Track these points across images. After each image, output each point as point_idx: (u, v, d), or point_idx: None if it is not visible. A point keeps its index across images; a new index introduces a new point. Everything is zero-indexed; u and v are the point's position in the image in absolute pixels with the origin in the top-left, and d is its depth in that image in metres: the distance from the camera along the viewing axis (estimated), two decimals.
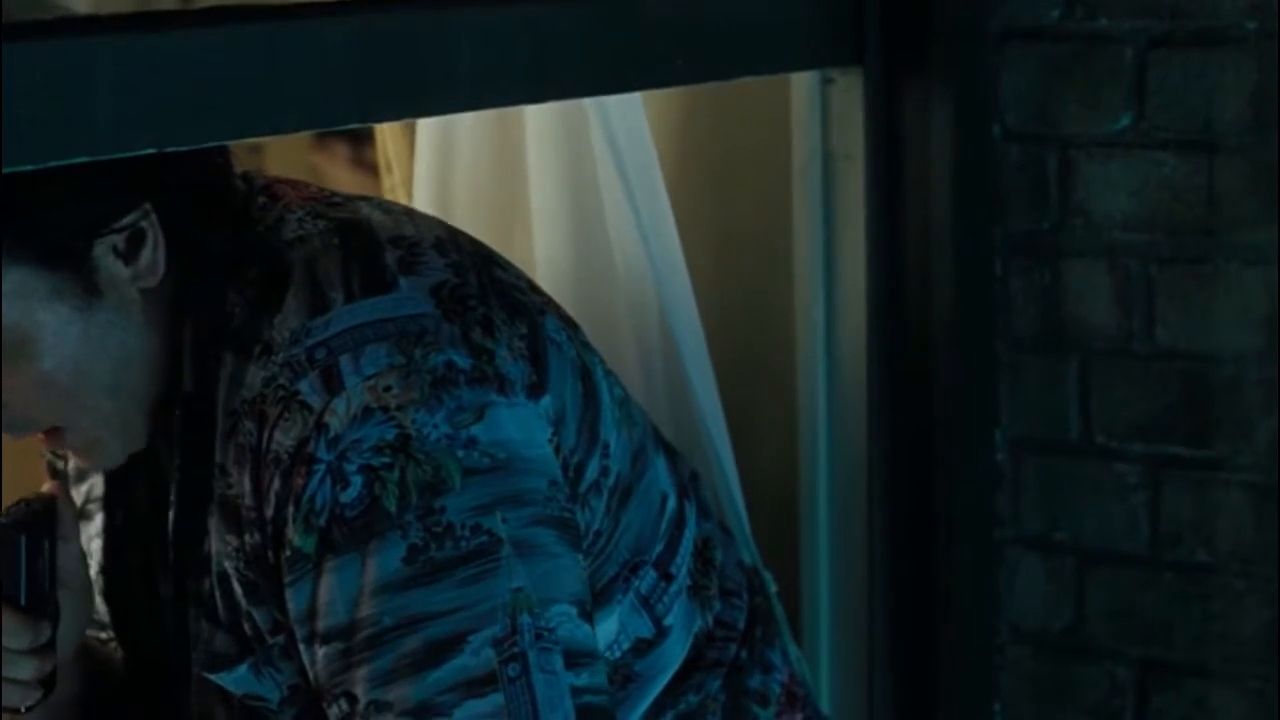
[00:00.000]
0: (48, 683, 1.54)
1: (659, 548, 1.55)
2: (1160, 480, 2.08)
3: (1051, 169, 2.10)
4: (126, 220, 1.43)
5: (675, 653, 1.56)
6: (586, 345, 1.55)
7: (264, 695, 1.46)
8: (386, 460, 1.36)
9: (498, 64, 1.59)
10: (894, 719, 1.76)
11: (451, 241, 1.52)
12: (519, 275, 1.55)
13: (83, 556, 1.54)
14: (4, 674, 1.49)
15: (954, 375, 2.11)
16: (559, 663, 1.37)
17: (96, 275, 1.43)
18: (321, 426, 1.37)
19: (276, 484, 1.39)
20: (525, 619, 1.36)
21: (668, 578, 1.54)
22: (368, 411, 1.37)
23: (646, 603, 1.53)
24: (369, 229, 1.49)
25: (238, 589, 1.44)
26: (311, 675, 1.41)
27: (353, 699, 1.37)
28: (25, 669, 1.50)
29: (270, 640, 1.44)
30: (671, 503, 1.57)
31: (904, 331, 2.07)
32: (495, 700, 1.34)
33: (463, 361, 1.41)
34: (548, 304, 1.55)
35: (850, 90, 2.06)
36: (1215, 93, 2.01)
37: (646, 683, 1.54)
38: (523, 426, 1.41)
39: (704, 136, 2.11)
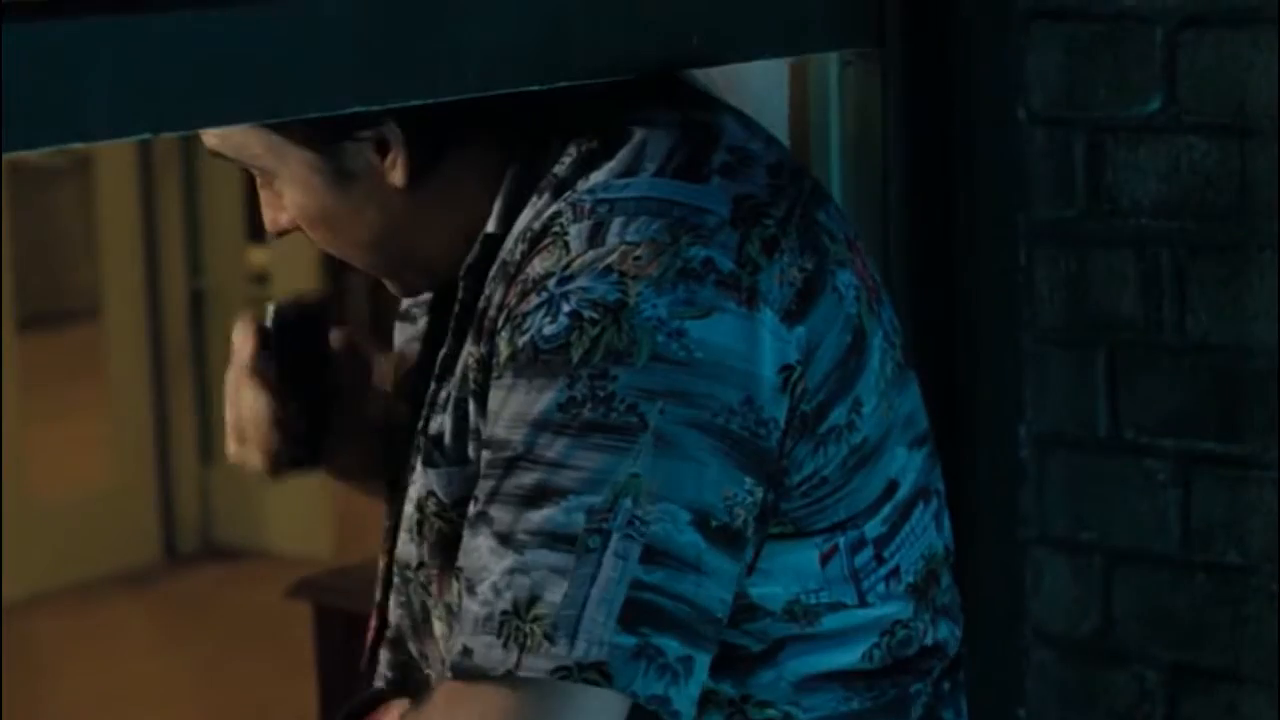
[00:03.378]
0: (295, 454, 1.77)
1: (878, 529, 1.58)
2: (1191, 477, 2.06)
3: (1078, 154, 2.08)
4: (367, 132, 1.59)
5: (869, 624, 1.59)
6: (875, 315, 1.59)
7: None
8: (596, 316, 1.46)
9: (508, 44, 1.58)
10: None
11: (791, 172, 1.60)
12: (844, 228, 1.61)
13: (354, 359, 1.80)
14: (246, 437, 1.76)
15: (976, 368, 2.10)
16: (636, 553, 1.44)
17: (346, 162, 1.60)
18: (567, 267, 1.49)
19: (513, 301, 1.51)
20: (626, 503, 1.44)
21: (880, 559, 1.59)
22: (607, 270, 1.47)
23: (856, 576, 1.58)
24: (714, 131, 1.59)
25: (472, 405, 1.55)
26: None
27: (476, 502, 1.48)
28: (268, 438, 1.75)
29: None
30: (901, 493, 1.60)
31: (924, 322, 2.05)
32: (566, 559, 1.43)
33: (724, 264, 1.49)
34: (855, 262, 1.59)
35: (869, 73, 2.04)
36: (1248, 75, 2.00)
37: (829, 638, 1.58)
38: (747, 340, 1.48)
39: None
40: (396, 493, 1.70)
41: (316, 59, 1.46)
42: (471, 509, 1.48)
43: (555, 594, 1.42)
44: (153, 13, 1.38)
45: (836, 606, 1.57)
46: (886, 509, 1.59)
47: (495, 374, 1.50)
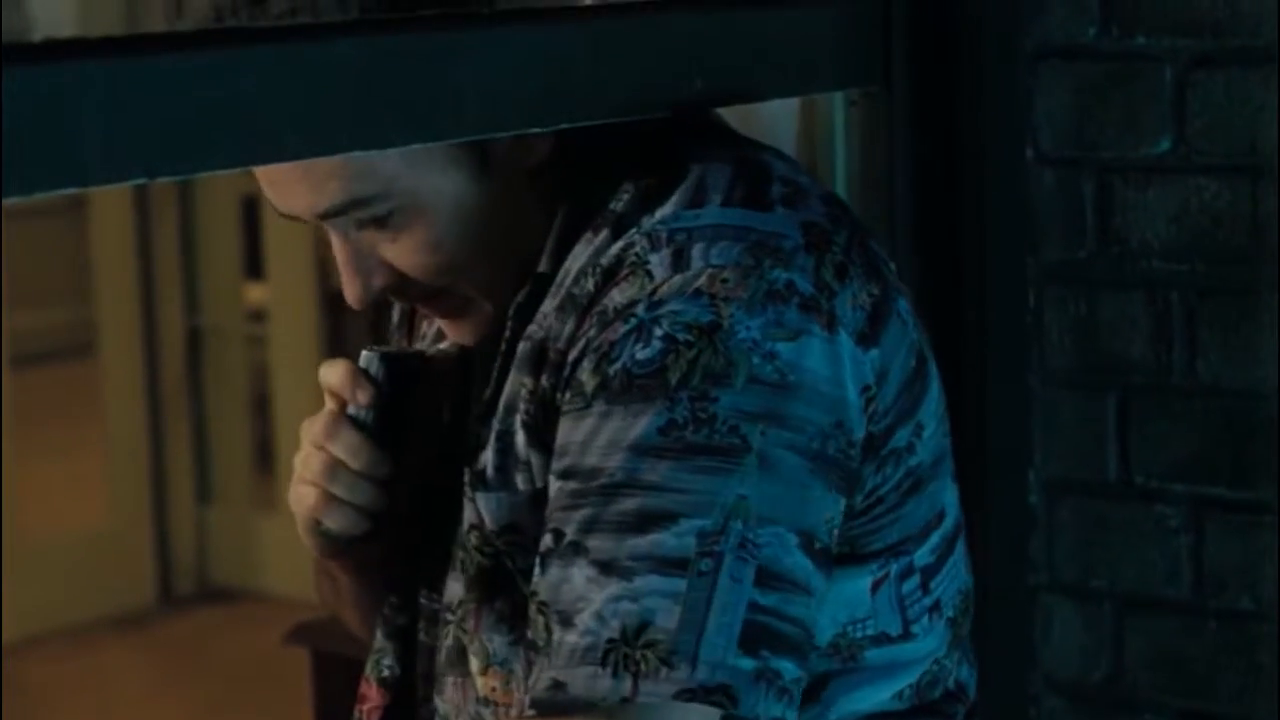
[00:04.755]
0: (375, 521, 1.65)
1: (926, 558, 1.61)
2: (1203, 523, 2.06)
3: (1088, 195, 2.09)
4: None
5: (912, 659, 1.61)
6: (928, 344, 1.63)
7: (526, 529, 1.55)
8: (690, 339, 1.48)
9: (507, 86, 1.58)
10: None
11: (839, 204, 1.64)
12: (890, 261, 1.64)
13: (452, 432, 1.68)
14: (333, 489, 1.65)
15: (984, 412, 2.09)
16: (750, 575, 1.44)
17: (488, 151, 1.60)
18: (654, 293, 1.50)
19: (591, 332, 1.51)
20: (737, 525, 1.45)
21: (925, 590, 1.61)
22: (697, 293, 1.49)
23: (902, 604, 1.60)
24: (765, 165, 1.62)
25: (520, 436, 1.56)
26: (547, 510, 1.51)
27: (560, 536, 1.47)
28: (358, 493, 1.65)
29: (541, 484, 1.55)
30: (948, 524, 1.63)
31: None
32: (677, 584, 1.43)
33: (804, 287, 1.51)
34: (906, 294, 1.63)
35: (875, 113, 2.04)
36: (1259, 114, 2.00)
37: (868, 674, 1.59)
38: (832, 364, 1.50)
39: None
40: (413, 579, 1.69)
41: (314, 102, 1.46)
42: (550, 541, 1.47)
43: (669, 620, 1.42)
44: (148, 56, 1.38)
45: (880, 640, 1.58)
46: (935, 538, 1.61)
47: (579, 404, 1.49)
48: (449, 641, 1.64)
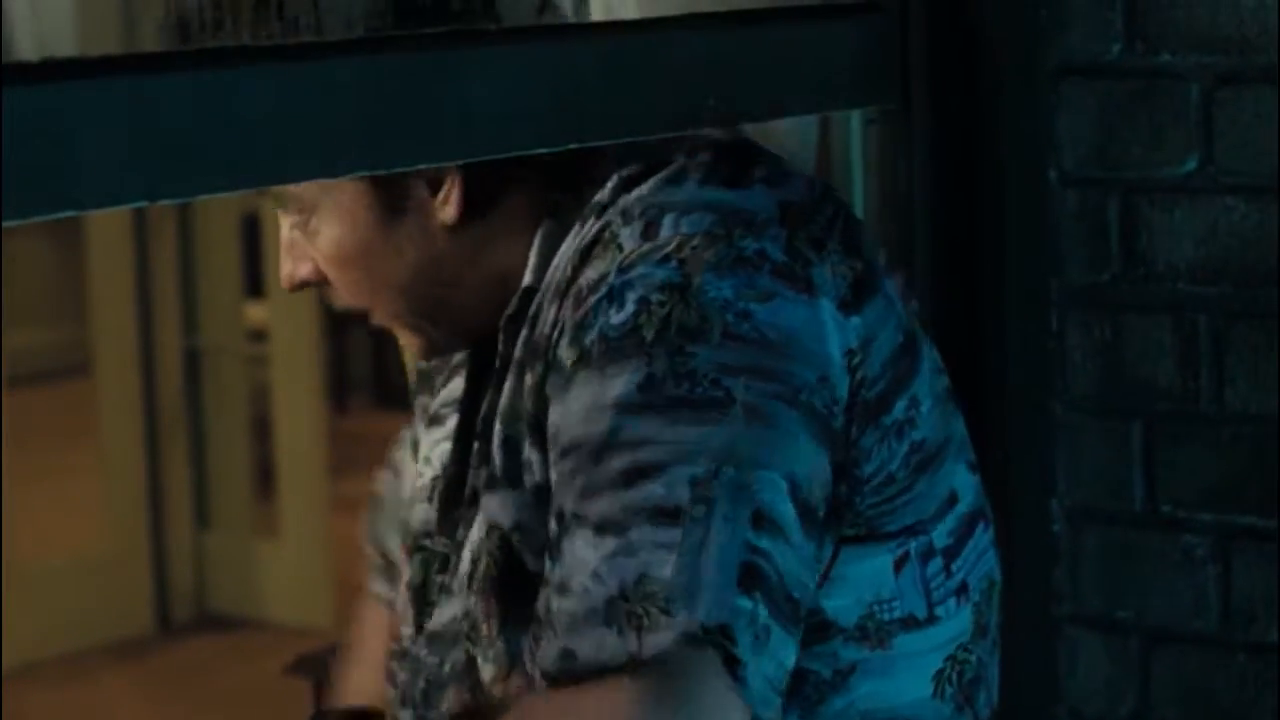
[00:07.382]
0: None
1: (945, 539, 1.62)
2: (1231, 553, 2.05)
3: (1112, 216, 2.08)
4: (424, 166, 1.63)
5: (937, 644, 1.62)
6: (919, 325, 1.64)
7: (533, 529, 1.56)
8: (662, 299, 1.51)
9: (518, 106, 1.58)
10: None
11: (824, 188, 1.66)
12: (877, 249, 1.67)
13: None
14: None
15: (1007, 439, 2.09)
16: (745, 516, 1.46)
17: (405, 200, 1.62)
18: (624, 261, 1.54)
19: (568, 310, 1.54)
20: (729, 470, 1.46)
21: (948, 572, 1.62)
22: (666, 258, 1.53)
23: (927, 586, 1.61)
24: (750, 149, 1.66)
25: (527, 437, 1.57)
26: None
27: (561, 515, 1.49)
28: None
29: (541, 478, 1.57)
30: (961, 507, 1.64)
31: (952, 391, 2.04)
32: (673, 534, 1.44)
33: (776, 255, 1.54)
34: (894, 278, 1.66)
35: (893, 131, 2.03)
36: None
37: (897, 662, 1.59)
38: (809, 322, 1.53)
39: None
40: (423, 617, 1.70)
41: (320, 123, 1.46)
42: (554, 526, 1.49)
43: (664, 569, 1.43)
44: (148, 72, 1.38)
45: (909, 623, 1.59)
46: (950, 520, 1.62)
47: (560, 383, 1.52)
48: (456, 655, 1.65)
